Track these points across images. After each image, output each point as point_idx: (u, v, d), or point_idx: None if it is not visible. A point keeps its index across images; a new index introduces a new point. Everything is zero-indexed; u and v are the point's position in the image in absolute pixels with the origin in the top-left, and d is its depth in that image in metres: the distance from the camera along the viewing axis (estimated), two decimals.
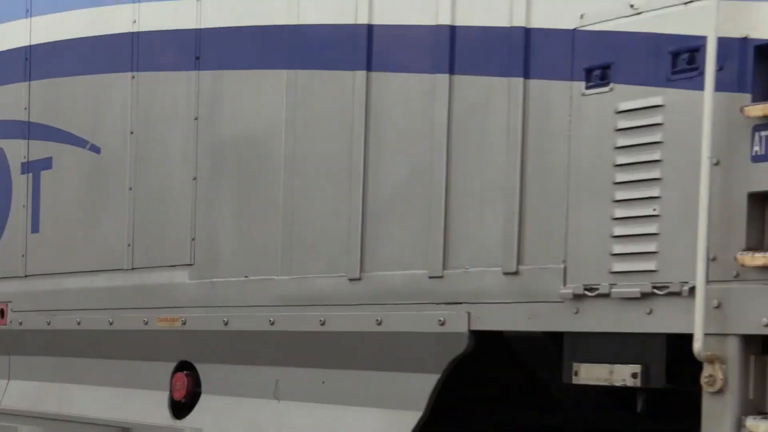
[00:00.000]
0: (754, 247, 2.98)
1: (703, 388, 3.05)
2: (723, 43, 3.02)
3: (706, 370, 3.04)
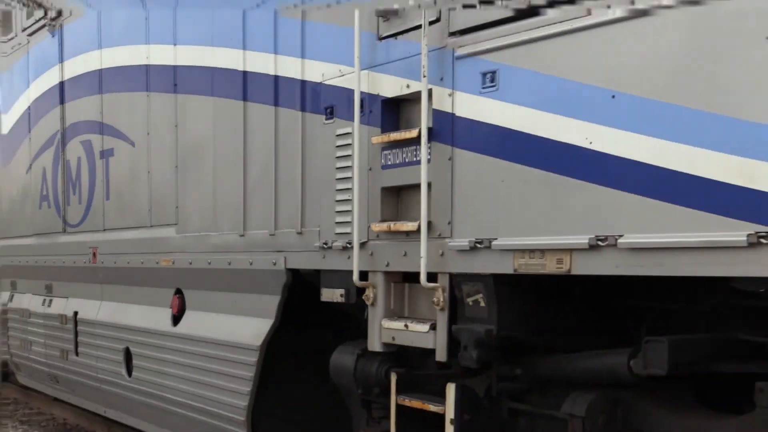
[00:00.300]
0: (384, 219, 4.96)
1: (365, 302, 5.10)
2: (370, 96, 4.97)
3: (366, 292, 5.08)
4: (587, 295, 4.39)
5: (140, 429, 8.22)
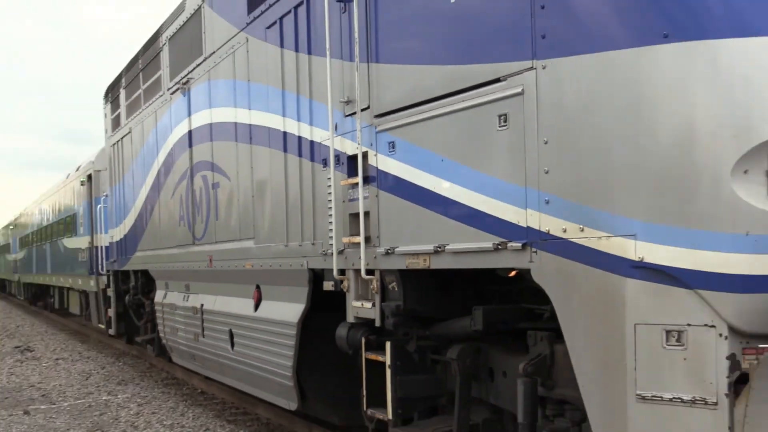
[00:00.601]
0: (350, 234, 7.48)
1: (344, 290, 7.64)
2: (341, 154, 7.53)
3: (343, 283, 7.63)
4: (458, 284, 6.80)
5: (245, 391, 11.13)
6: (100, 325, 20.45)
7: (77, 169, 23.29)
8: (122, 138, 16.03)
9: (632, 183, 4.55)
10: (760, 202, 4.20)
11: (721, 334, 4.30)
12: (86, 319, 21.05)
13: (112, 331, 17.81)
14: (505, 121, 5.41)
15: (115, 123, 16.75)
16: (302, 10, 8.33)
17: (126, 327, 17.14)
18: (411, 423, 7.26)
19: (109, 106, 17.36)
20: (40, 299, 31.51)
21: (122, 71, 16.09)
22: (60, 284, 27.05)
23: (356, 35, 7.00)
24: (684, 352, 4.42)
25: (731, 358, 4.30)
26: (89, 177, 21.50)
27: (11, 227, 41.63)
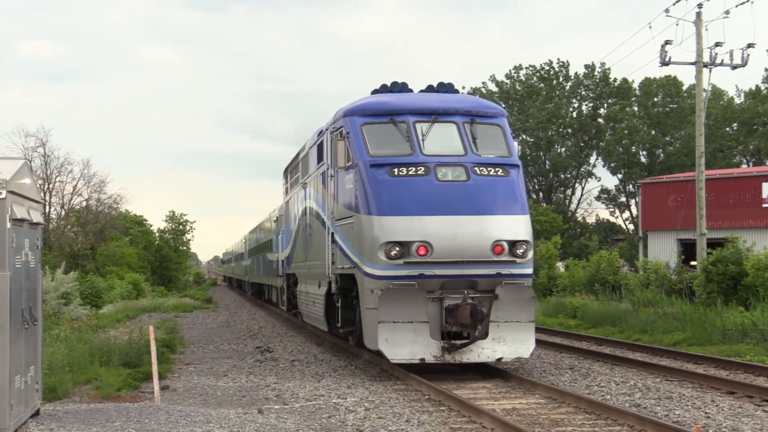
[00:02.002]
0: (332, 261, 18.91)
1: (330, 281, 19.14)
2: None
3: (330, 278, 19.09)
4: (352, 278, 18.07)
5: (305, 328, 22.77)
6: (278, 305, 33.88)
7: (273, 211, 36.41)
8: (287, 201, 28.13)
9: (360, 248, 15.94)
10: (382, 258, 15.57)
11: (372, 290, 15.56)
12: (283, 308, 33.10)
13: (284, 307, 30.13)
14: (351, 229, 16.47)
15: (285, 191, 28.80)
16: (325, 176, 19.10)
17: (289, 305, 28.83)
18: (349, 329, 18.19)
19: (282, 180, 29.36)
20: (261, 295, 45.51)
21: (287, 166, 27.68)
22: (266, 282, 40.69)
23: (330, 192, 18.04)
24: (373, 294, 15.63)
25: (374, 291, 15.57)
26: (277, 219, 33.63)
27: (244, 241, 58.29)
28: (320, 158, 19.49)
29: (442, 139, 16.28)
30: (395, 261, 15.33)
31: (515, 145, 17.11)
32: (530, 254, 16.11)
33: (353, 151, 16.28)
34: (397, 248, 15.34)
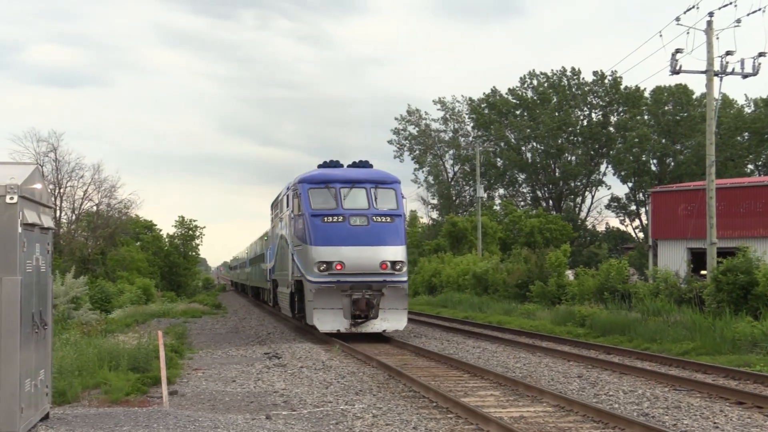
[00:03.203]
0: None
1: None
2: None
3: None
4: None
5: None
6: (268, 303, 42.06)
7: (264, 233, 44.22)
8: (272, 226, 34.64)
9: (305, 265, 21.02)
10: (316, 271, 23.75)
11: (311, 290, 23.61)
12: (270, 304, 40.35)
13: (270, 304, 38.24)
14: (301, 253, 23.14)
15: (271, 219, 35.30)
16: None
17: (273, 302, 35.81)
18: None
19: (269, 211, 35.52)
20: (258, 297, 53.80)
21: (272, 201, 33.75)
22: (261, 286, 48.59)
23: (290, 228, 21.52)
24: (311, 292, 22.51)
25: (312, 290, 22.79)
26: (267, 237, 40.21)
27: (247, 251, 66.64)
28: (287, 205, 27.54)
29: (355, 199, 25.62)
30: (323, 272, 24.17)
31: (403, 202, 26.46)
32: (405, 269, 25.43)
33: (303, 205, 25.12)
34: (324, 265, 24.11)
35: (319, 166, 27.34)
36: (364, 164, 27.45)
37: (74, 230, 52.18)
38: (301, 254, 24.59)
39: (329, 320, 24.45)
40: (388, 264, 24.77)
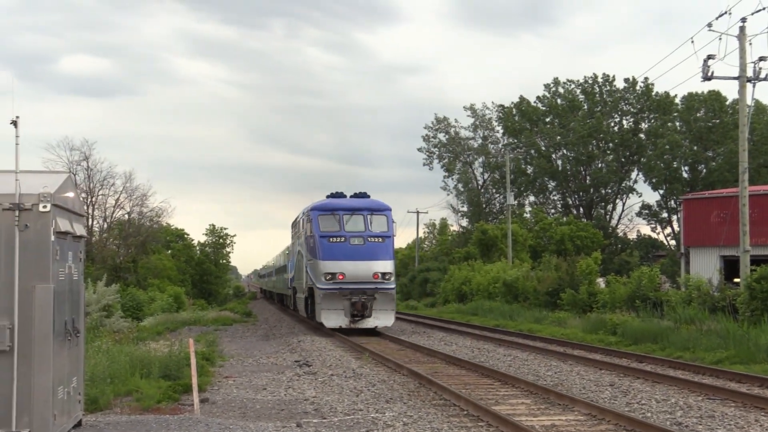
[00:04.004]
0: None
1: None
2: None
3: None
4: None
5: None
6: (289, 306, 48.65)
7: (287, 247, 47.74)
8: (292, 243, 40.12)
9: (315, 276, 28.38)
10: (323, 280, 30.17)
11: (320, 295, 30.34)
12: (291, 308, 47.03)
13: (291, 308, 44.61)
14: (312, 266, 28.35)
15: (291, 236, 40.57)
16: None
17: (293, 306, 42.50)
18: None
19: (290, 230, 40.60)
20: (283, 302, 60.20)
21: (292, 222, 39.19)
22: (284, 293, 54.21)
23: (305, 246, 28.17)
24: (320, 296, 29.77)
25: (320, 295, 29.24)
26: (288, 252, 45.07)
27: (273, 262, 72.54)
28: (302, 227, 33.28)
29: (355, 223, 31.66)
30: (329, 281, 30.60)
31: (393, 225, 32.79)
32: (392, 278, 31.98)
33: (314, 228, 31.57)
34: (330, 275, 30.52)
35: (327, 197, 33.52)
36: (363, 195, 33.80)
37: (106, 238, 52.57)
38: (312, 267, 30.88)
39: (333, 318, 30.95)
40: (380, 275, 31.26)
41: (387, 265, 31.58)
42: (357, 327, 31.13)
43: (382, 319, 31.54)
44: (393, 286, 31.96)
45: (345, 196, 33.62)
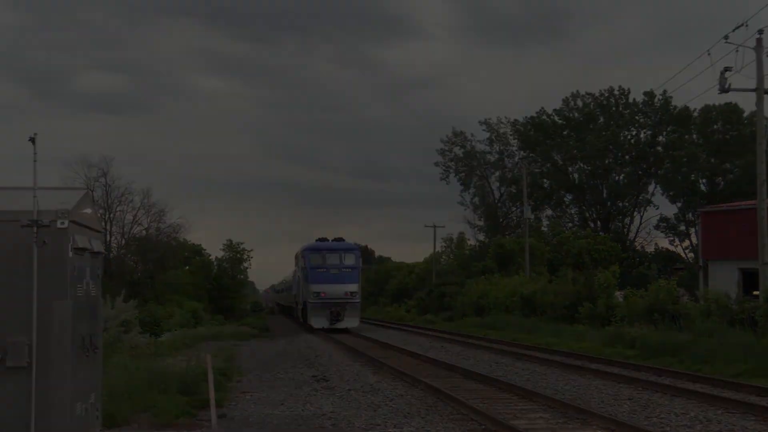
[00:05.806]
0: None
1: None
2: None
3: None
4: None
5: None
6: (296, 316, 58.80)
7: (293, 270, 59.07)
8: (295, 270, 54.23)
9: (306, 294, 42.58)
10: (312, 297, 45.75)
11: (311, 307, 45.71)
12: (295, 315, 59.70)
13: (299, 318, 52.56)
14: (305, 287, 42.89)
15: (294, 263, 54.04)
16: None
17: (297, 315, 55.66)
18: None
19: (294, 261, 54.25)
20: (287, 313, 75.15)
21: (295, 254, 54.28)
22: (291, 305, 64.60)
23: (301, 274, 41.44)
24: (311, 308, 45.72)
25: (311, 307, 41.23)
26: (294, 274, 57.99)
27: (284, 280, 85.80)
28: (299, 261, 49.56)
29: (333, 259, 46.46)
30: (316, 297, 45.75)
31: (359, 259, 45.25)
32: (358, 296, 45.56)
33: (306, 262, 46.54)
34: (316, 294, 45.73)
35: (317, 240, 49.33)
36: (340, 239, 48.49)
37: (124, 254, 52.81)
38: (305, 288, 46.73)
39: (319, 321, 46.09)
40: (349, 293, 45.91)
41: (354, 287, 45.90)
42: (334, 327, 45.90)
43: (350, 322, 46.33)
44: (358, 300, 46.42)
45: (328, 240, 49.07)
